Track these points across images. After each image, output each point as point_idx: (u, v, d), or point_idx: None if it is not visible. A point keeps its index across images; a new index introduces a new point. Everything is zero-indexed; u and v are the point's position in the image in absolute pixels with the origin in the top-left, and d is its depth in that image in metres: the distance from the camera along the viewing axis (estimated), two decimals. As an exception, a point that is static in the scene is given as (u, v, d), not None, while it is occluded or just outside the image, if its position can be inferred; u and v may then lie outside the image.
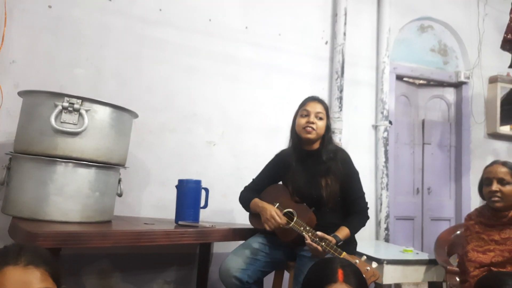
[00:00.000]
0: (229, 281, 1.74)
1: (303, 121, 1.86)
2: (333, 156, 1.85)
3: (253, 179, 2.05)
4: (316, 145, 1.90)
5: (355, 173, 1.90)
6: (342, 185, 1.84)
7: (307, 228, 1.69)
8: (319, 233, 1.64)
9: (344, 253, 1.57)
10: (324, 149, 1.86)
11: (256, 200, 1.89)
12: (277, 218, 1.75)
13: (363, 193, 1.90)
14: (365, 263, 1.47)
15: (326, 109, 1.92)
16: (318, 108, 1.87)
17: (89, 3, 2.40)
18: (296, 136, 1.92)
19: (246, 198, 1.97)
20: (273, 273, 1.98)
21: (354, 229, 1.82)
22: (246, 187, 2.04)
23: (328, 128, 1.90)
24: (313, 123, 1.84)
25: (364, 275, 1.43)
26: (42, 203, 1.66)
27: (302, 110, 1.90)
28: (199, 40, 2.64)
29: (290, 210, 1.81)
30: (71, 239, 1.49)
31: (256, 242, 1.87)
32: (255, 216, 1.94)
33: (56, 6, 2.33)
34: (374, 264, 1.47)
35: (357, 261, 1.49)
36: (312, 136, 1.85)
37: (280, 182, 2.02)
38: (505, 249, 1.73)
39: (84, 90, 2.22)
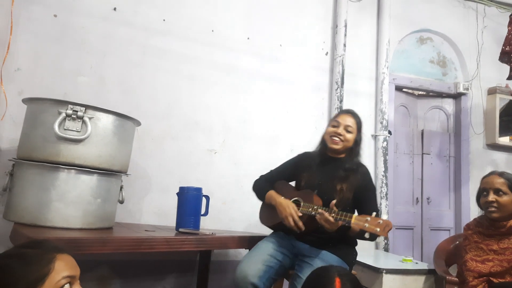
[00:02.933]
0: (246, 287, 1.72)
1: (331, 130, 1.90)
2: (355, 168, 1.86)
3: (270, 170, 2.06)
4: (341, 155, 1.92)
5: (373, 189, 1.91)
6: (356, 196, 1.83)
7: (315, 207, 1.70)
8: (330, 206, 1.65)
9: (354, 215, 1.57)
10: (348, 159, 1.88)
11: (273, 192, 1.90)
12: (297, 221, 1.73)
13: (378, 210, 1.89)
14: (376, 218, 1.50)
15: (358, 123, 1.93)
16: (349, 121, 1.89)
17: (94, 12, 2.44)
18: (323, 142, 1.96)
19: (261, 187, 1.98)
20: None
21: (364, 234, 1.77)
22: (261, 176, 2.05)
23: (357, 142, 1.91)
24: (340, 134, 1.86)
25: (378, 228, 1.46)
26: (44, 209, 1.68)
27: (333, 120, 1.95)
28: (201, 50, 2.68)
29: (296, 198, 1.84)
30: (71, 245, 1.50)
31: (270, 247, 1.84)
32: (266, 211, 1.96)
33: (61, 15, 2.37)
34: (385, 216, 1.49)
35: (368, 218, 1.51)
36: (338, 147, 1.87)
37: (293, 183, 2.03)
38: (504, 259, 1.74)
39: (88, 98, 2.25)
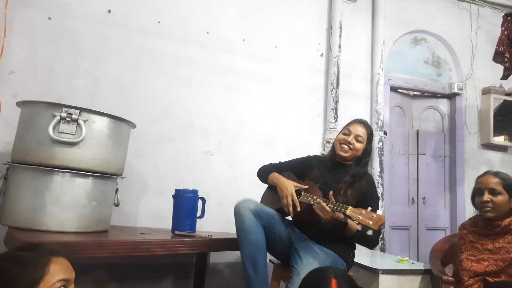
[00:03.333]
0: (245, 210, 1.74)
1: (342, 137, 1.96)
2: (361, 174, 1.90)
3: (279, 161, 2.12)
4: (350, 162, 1.97)
5: (376, 197, 1.95)
6: (359, 202, 1.83)
7: (314, 197, 1.75)
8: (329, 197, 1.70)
9: (350, 207, 1.60)
10: (356, 168, 1.92)
11: (277, 174, 1.96)
12: (295, 201, 1.78)
13: None
14: (370, 212, 1.55)
15: (369, 134, 1.98)
16: (360, 131, 1.94)
17: (89, 15, 2.44)
18: (333, 148, 2.02)
19: (267, 169, 2.04)
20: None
21: (361, 236, 1.77)
22: (270, 163, 2.11)
23: (366, 153, 1.95)
24: (350, 143, 1.91)
25: (370, 222, 1.50)
26: (39, 213, 1.67)
27: (345, 128, 2.00)
28: (196, 51, 2.68)
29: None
30: (67, 249, 1.49)
31: (275, 212, 1.88)
32: (268, 195, 2.02)
33: (55, 18, 2.36)
34: (380, 211, 1.56)
35: (363, 211, 1.56)
36: (346, 154, 1.92)
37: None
38: (499, 258, 1.75)
39: (83, 101, 2.25)
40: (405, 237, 3.28)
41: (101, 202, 1.84)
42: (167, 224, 2.16)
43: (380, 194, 2.99)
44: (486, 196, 1.79)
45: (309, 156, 2.12)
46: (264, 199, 2.05)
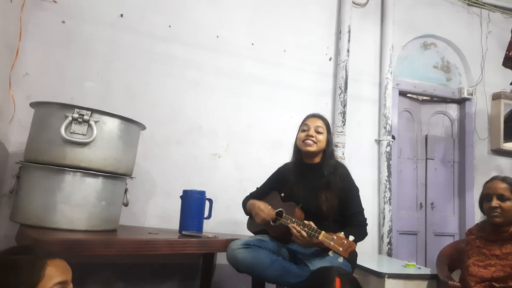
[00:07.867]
0: (235, 253, 1.74)
1: (302, 135, 1.94)
2: (333, 171, 1.88)
3: (257, 188, 2.16)
4: (317, 159, 1.95)
5: (355, 189, 1.91)
6: (341, 200, 1.85)
7: (293, 219, 1.75)
8: (305, 222, 1.72)
9: (323, 232, 1.61)
10: (325, 163, 1.90)
11: (251, 200, 2.01)
12: (264, 209, 1.86)
13: (362, 209, 1.90)
14: (342, 237, 1.56)
15: (327, 124, 1.98)
16: (318, 123, 1.94)
17: (101, 19, 2.49)
18: (297, 150, 1.99)
19: (245, 201, 2.09)
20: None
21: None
22: (250, 193, 2.15)
23: (328, 142, 1.94)
24: (312, 136, 1.90)
25: (341, 248, 1.52)
26: (50, 211, 1.71)
27: (302, 125, 1.99)
28: (206, 55, 2.71)
29: (280, 209, 1.90)
30: (76, 247, 1.53)
31: (266, 237, 1.88)
32: (250, 220, 2.06)
33: (69, 22, 2.42)
34: (351, 238, 1.56)
35: (335, 237, 1.56)
36: (312, 148, 1.90)
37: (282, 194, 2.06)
38: (506, 264, 1.73)
39: (94, 102, 2.28)
40: (413, 242, 3.25)
41: (111, 202, 1.87)
42: (175, 224, 2.18)
43: (388, 198, 2.98)
44: (495, 202, 1.78)
45: (279, 169, 2.10)
46: (249, 225, 2.11)
